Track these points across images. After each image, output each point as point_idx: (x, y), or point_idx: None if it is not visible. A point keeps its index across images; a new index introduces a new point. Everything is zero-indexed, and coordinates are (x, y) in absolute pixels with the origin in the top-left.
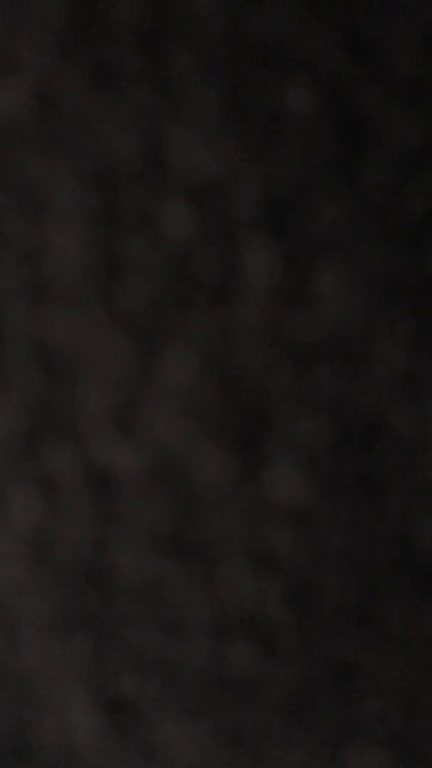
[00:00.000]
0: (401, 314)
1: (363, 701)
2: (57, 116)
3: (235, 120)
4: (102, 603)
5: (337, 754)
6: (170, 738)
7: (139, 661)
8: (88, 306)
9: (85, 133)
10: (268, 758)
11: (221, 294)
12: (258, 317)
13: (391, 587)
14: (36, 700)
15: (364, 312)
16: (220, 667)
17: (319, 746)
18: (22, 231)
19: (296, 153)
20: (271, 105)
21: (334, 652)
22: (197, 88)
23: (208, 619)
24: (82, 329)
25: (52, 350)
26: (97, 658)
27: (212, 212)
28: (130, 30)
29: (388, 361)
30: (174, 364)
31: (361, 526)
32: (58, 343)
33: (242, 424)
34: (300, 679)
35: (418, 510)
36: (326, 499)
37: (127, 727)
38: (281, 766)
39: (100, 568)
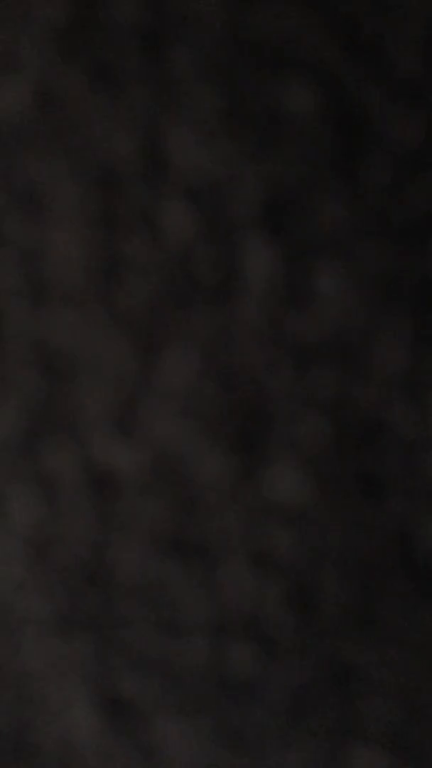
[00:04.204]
0: (401, 314)
1: (363, 701)
2: (57, 116)
3: (235, 120)
4: (102, 603)
5: (337, 754)
6: (170, 738)
7: (139, 661)
8: (88, 306)
9: (85, 133)
10: (268, 758)
11: (221, 294)
12: (258, 317)
13: (391, 587)
14: (36, 700)
15: (364, 312)
16: (220, 667)
17: (319, 746)
18: (22, 231)
19: (296, 153)
20: (271, 105)
21: (334, 652)
22: (197, 88)
23: (208, 619)
24: (82, 329)
25: (52, 350)
26: (97, 658)
27: (212, 212)
28: (130, 30)
29: (388, 361)
30: (174, 364)
31: (361, 526)
32: (58, 343)
33: (242, 424)
34: (300, 679)
35: (418, 510)
36: (326, 499)
37: (127, 727)
38: (281, 766)
39: (100, 568)
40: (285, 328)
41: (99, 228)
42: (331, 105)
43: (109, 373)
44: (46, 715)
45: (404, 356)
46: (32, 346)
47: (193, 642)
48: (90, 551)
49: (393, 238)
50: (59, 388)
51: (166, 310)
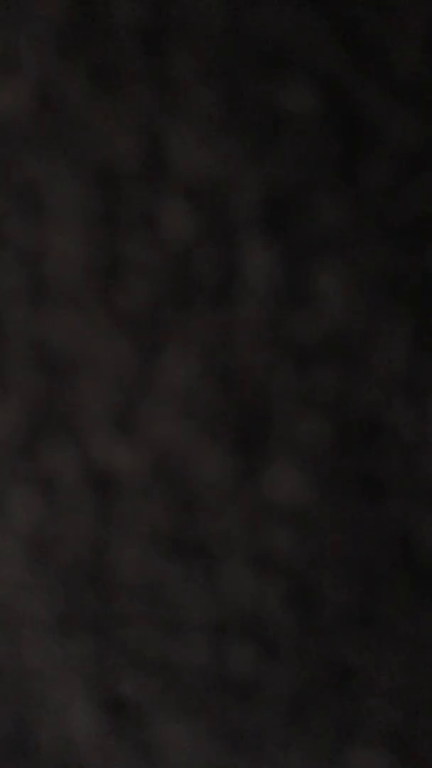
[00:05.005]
0: (401, 314)
1: (363, 701)
2: (57, 116)
3: (235, 120)
4: (102, 603)
5: (337, 754)
6: (170, 738)
7: (139, 661)
8: (88, 306)
9: (85, 133)
10: (268, 758)
11: (221, 294)
12: (258, 317)
13: (391, 587)
14: (36, 700)
15: (364, 312)
16: (220, 667)
17: (319, 746)
18: (22, 231)
19: (296, 153)
20: (271, 105)
21: (334, 652)
22: (197, 88)
23: (208, 619)
24: (82, 329)
25: (52, 350)
26: (97, 658)
27: (212, 212)
28: (130, 30)
29: (388, 361)
30: (174, 364)
31: (361, 526)
32: (58, 343)
33: (242, 424)
34: (300, 679)
35: (418, 510)
36: (326, 499)
37: (127, 727)
38: (281, 766)
39: (100, 568)
40: (285, 328)
41: (99, 228)
42: (331, 105)
43: (109, 373)
44: (46, 715)
45: (404, 356)
46: (32, 346)
47: (193, 642)
48: (90, 551)
49: (393, 238)
50: (59, 388)
51: (166, 310)
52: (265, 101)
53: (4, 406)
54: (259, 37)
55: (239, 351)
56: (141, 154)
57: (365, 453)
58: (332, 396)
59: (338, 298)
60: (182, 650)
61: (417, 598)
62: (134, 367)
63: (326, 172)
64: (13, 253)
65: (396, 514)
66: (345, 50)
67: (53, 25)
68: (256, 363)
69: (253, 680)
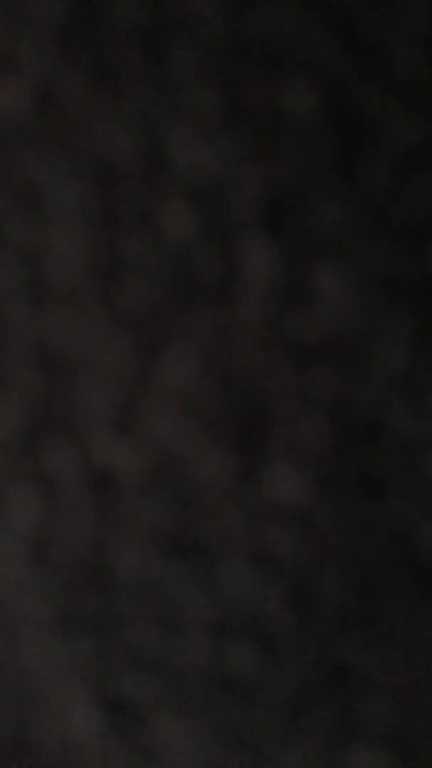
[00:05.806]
0: (401, 314)
1: (363, 701)
2: (57, 116)
3: (235, 120)
4: (102, 603)
5: (337, 754)
6: (170, 738)
7: (139, 661)
8: (88, 306)
9: (85, 133)
10: (268, 758)
11: (221, 294)
12: (258, 317)
13: (391, 587)
14: (36, 700)
15: (364, 312)
16: (220, 667)
17: (319, 746)
18: (22, 231)
19: (296, 153)
20: (271, 105)
21: (334, 652)
22: (197, 88)
23: (208, 619)
24: (82, 329)
25: (52, 350)
26: (97, 658)
27: (212, 212)
28: (130, 30)
29: (388, 361)
30: (174, 364)
31: (361, 526)
32: (58, 343)
33: (242, 424)
34: (300, 680)
35: (418, 510)
36: (326, 499)
37: (127, 727)
38: (281, 766)
39: (100, 568)
40: (285, 328)
41: (99, 228)
42: (331, 105)
43: (109, 373)
44: (46, 715)
45: (404, 356)
46: (32, 346)
47: (193, 642)
48: (90, 551)
49: (393, 238)
50: (59, 388)
51: (166, 310)
52: (265, 101)
53: (4, 406)
54: (260, 37)
55: (239, 351)
56: (141, 154)
57: (365, 453)
58: (332, 396)
59: (338, 298)
60: (182, 650)
61: (417, 598)
62: (134, 367)
63: (326, 172)
64: (13, 253)
65: (396, 514)
66: (345, 50)
67: (53, 25)
68: (256, 363)
69: (253, 680)
